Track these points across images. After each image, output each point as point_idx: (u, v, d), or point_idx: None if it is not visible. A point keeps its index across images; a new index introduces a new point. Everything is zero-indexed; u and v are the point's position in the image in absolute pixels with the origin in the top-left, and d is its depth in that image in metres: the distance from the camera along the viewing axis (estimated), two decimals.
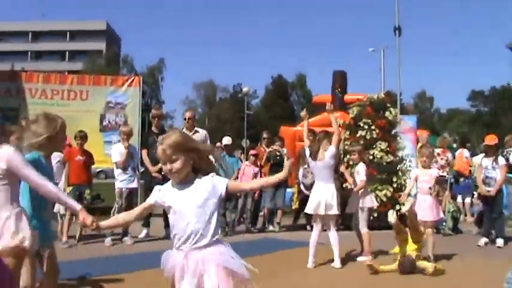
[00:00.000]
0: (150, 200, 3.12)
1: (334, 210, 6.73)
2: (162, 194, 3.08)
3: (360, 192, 7.27)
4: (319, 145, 6.86)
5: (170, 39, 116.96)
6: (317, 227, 6.91)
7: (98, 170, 25.81)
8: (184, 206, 2.96)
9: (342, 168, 7.46)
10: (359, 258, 7.10)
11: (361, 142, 9.75)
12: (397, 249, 6.61)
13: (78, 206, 3.43)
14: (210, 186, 2.98)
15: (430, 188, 6.92)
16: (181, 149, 2.96)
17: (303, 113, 7.55)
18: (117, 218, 3.37)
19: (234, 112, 61.63)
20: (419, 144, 11.59)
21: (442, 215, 7.49)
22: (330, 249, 6.74)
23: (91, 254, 7.48)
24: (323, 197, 6.70)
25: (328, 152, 6.78)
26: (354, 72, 34.62)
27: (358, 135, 10.61)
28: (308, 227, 9.92)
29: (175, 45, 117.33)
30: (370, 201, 7.39)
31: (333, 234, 6.74)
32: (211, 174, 3.05)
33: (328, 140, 6.85)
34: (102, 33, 75.75)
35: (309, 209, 6.90)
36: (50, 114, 4.08)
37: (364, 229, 7.21)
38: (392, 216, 7.41)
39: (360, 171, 7.29)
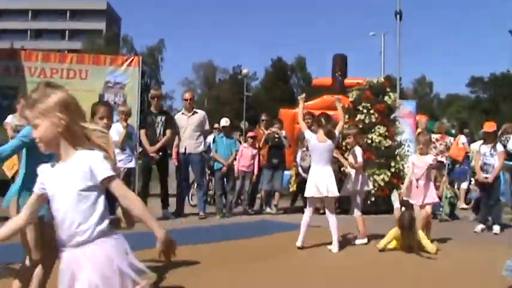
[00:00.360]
0: (35, 190, 2.43)
1: (336, 192, 6.78)
2: (43, 178, 2.39)
3: (359, 175, 7.28)
4: (330, 127, 6.86)
5: (170, 19, 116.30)
6: (310, 209, 6.96)
7: None
8: (58, 189, 2.32)
9: (335, 153, 7.39)
10: (357, 241, 7.15)
11: (360, 126, 9.76)
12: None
13: None
14: (87, 167, 2.29)
15: (422, 174, 7.05)
16: (45, 113, 2.38)
17: (301, 96, 7.52)
18: (8, 226, 2.48)
19: (233, 94, 61.52)
20: (419, 130, 11.60)
21: (437, 199, 7.56)
22: (328, 232, 6.76)
23: None
24: (322, 179, 6.71)
25: None
26: (354, 56, 34.54)
27: (357, 119, 10.59)
28: (305, 210, 9.95)
29: (176, 26, 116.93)
30: (365, 185, 7.41)
31: (332, 218, 6.76)
32: (98, 152, 2.36)
33: (332, 124, 6.89)
34: (103, 13, 75.39)
35: (309, 192, 6.86)
36: (52, 82, 4.02)
37: (357, 213, 7.23)
38: (395, 198, 7.41)
39: (357, 154, 7.29)
